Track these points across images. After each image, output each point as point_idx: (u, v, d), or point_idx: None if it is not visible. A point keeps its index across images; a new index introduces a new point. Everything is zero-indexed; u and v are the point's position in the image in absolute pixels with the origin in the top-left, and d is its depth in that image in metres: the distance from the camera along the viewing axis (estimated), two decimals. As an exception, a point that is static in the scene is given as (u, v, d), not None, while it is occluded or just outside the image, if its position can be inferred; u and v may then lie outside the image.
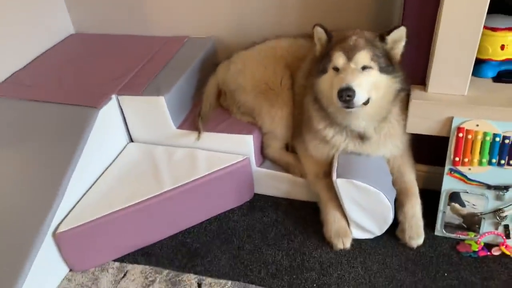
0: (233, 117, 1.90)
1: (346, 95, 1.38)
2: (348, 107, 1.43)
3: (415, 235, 1.62)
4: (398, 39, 1.47)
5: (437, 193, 1.64)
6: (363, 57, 1.43)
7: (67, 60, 2.17)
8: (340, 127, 1.61)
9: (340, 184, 1.57)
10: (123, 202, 1.63)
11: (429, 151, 1.73)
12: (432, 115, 1.58)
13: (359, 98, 1.41)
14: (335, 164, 1.63)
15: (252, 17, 2.16)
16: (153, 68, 1.99)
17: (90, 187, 1.71)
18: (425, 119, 1.60)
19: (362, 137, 1.61)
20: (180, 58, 2.07)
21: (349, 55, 1.44)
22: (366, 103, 1.46)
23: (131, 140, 1.97)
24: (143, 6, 2.28)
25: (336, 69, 1.47)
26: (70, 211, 1.61)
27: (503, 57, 1.59)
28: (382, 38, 1.47)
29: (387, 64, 1.46)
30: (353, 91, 1.38)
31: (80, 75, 2.01)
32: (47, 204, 1.51)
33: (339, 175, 1.58)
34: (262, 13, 2.13)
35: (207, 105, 1.91)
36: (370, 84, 1.44)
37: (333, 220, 1.66)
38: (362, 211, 1.61)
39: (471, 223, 1.64)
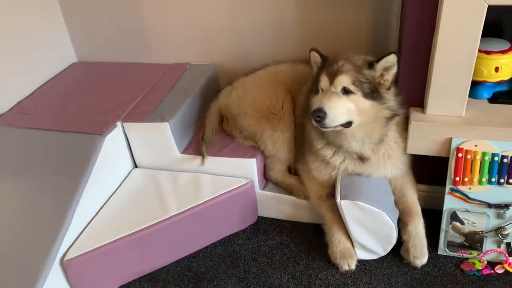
0: (236, 141, 1.93)
1: (316, 116, 1.46)
2: (321, 127, 1.50)
3: (420, 255, 1.64)
4: (388, 66, 1.49)
5: (438, 212, 1.67)
6: (343, 81, 1.48)
7: (71, 88, 2.21)
8: (337, 147, 1.65)
9: (344, 205, 1.59)
10: (129, 228, 1.64)
11: (429, 171, 1.76)
12: (431, 136, 1.63)
13: (331, 120, 1.46)
14: (338, 186, 1.66)
15: (252, 44, 2.22)
16: (156, 95, 2.03)
17: (96, 214, 1.72)
18: (424, 140, 1.64)
19: (361, 158, 1.65)
20: (182, 84, 2.12)
21: (331, 78, 1.50)
22: (347, 125, 1.51)
23: (136, 166, 1.99)
24: (145, 34, 2.34)
25: (322, 90, 1.53)
26: (77, 238, 1.62)
27: (498, 79, 1.65)
28: (371, 65, 1.51)
29: (373, 91, 1.50)
30: (324, 113, 1.45)
31: (84, 103, 2.05)
32: (54, 232, 1.52)
33: (343, 196, 1.61)
34: (261, 40, 2.20)
35: (209, 130, 1.95)
36: (350, 108, 1.48)
37: (338, 242, 1.68)
38: (366, 232, 1.63)
39: (473, 241, 1.67)
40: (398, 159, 1.68)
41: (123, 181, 1.90)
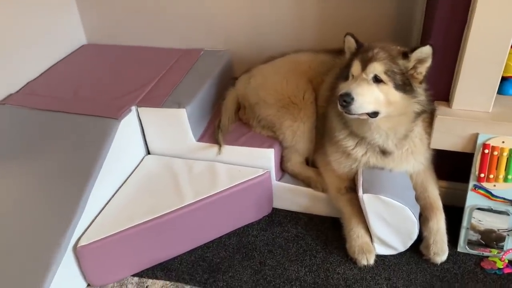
0: (253, 130, 1.89)
1: (342, 100, 1.41)
2: (346, 113, 1.45)
3: (440, 251, 1.61)
4: (423, 58, 1.44)
5: (456, 209, 1.65)
6: (375, 68, 1.43)
7: (82, 70, 2.14)
8: (360, 139, 1.61)
9: (367, 199, 1.56)
10: (144, 216, 1.59)
11: (450, 166, 1.73)
12: (457, 131, 1.59)
13: (357, 106, 1.42)
14: (360, 179, 1.62)
15: (270, 32, 2.17)
16: (172, 80, 1.97)
17: (110, 200, 1.68)
18: (449, 135, 1.61)
19: (383, 152, 1.61)
20: (198, 70, 2.06)
21: (364, 65, 1.45)
22: (373, 115, 1.46)
23: (148, 152, 1.93)
24: (159, 18, 2.28)
25: (353, 76, 1.48)
26: (90, 224, 1.57)
27: (526, 75, 1.62)
28: (405, 56, 1.46)
29: (405, 83, 1.45)
30: (352, 98, 1.40)
31: (97, 86, 1.98)
32: (68, 218, 1.47)
33: (365, 190, 1.57)
34: (280, 28, 2.14)
35: (226, 118, 1.90)
36: (379, 97, 1.43)
37: (356, 236, 1.64)
38: (387, 226, 1.60)
39: (489, 239, 1.64)
40: (421, 155, 1.65)
41: (136, 167, 1.85)
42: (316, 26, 2.09)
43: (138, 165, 1.86)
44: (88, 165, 1.59)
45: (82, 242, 1.50)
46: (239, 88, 1.96)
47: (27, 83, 2.03)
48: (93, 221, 1.58)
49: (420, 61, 1.44)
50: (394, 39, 2.01)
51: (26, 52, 2.04)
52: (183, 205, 1.64)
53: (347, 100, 1.41)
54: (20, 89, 1.99)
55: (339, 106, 1.45)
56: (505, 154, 1.54)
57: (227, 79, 2.14)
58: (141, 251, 1.61)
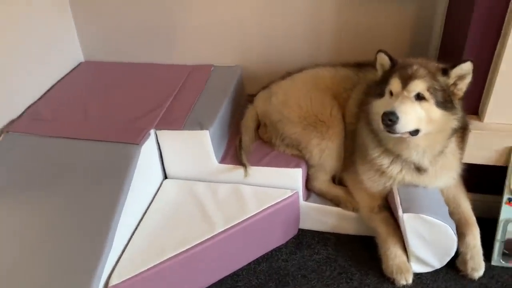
0: (276, 149, 1.82)
1: (387, 119, 1.37)
2: (390, 132, 1.41)
3: (478, 266, 1.60)
4: (463, 74, 1.42)
5: (484, 220, 1.64)
6: (418, 86, 1.40)
7: (86, 90, 2.01)
8: (395, 157, 1.58)
9: (407, 219, 1.52)
10: (175, 247, 1.49)
11: (479, 179, 1.72)
12: (491, 145, 1.59)
13: (402, 125, 1.38)
14: (398, 198, 1.58)
15: (281, 45, 2.11)
16: (187, 99, 1.88)
17: (134, 231, 1.56)
18: (482, 149, 1.61)
19: (418, 169, 1.58)
20: (212, 88, 1.97)
21: (405, 82, 1.42)
22: (414, 133, 1.43)
23: (166, 177, 1.83)
24: (163, 33, 2.18)
25: (391, 94, 1.45)
26: (119, 260, 1.45)
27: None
28: (445, 72, 1.44)
29: (446, 100, 1.43)
30: (397, 117, 1.37)
31: (106, 108, 1.86)
32: (96, 255, 1.35)
33: (405, 209, 1.53)
34: (292, 41, 2.09)
35: (247, 138, 1.82)
36: (421, 115, 1.41)
37: (394, 256, 1.60)
38: (425, 244, 1.57)
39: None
40: (454, 170, 1.63)
41: (155, 193, 1.74)
42: (331, 39, 2.05)
43: (158, 191, 1.75)
44: (112, 195, 1.47)
45: (114, 281, 1.38)
46: (259, 106, 1.89)
47: (29, 107, 1.88)
48: (120, 256, 1.46)
49: (460, 77, 1.43)
50: (412, 48, 2.00)
51: (24, 73, 1.88)
52: (215, 233, 1.54)
53: (392, 119, 1.37)
54: (22, 114, 1.83)
55: (381, 125, 1.41)
56: (540, 167, 1.54)
57: (240, 96, 2.07)
58: (172, 284, 1.50)
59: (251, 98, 1.97)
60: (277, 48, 2.12)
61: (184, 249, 1.49)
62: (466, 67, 1.40)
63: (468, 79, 1.43)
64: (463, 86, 1.44)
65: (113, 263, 1.43)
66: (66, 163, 1.58)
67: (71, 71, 2.18)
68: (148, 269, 1.43)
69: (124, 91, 1.98)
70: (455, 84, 1.44)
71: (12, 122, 1.78)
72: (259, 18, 2.06)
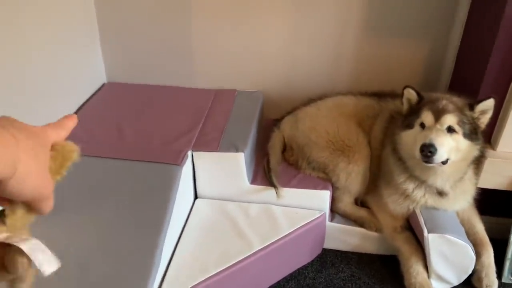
0: (302, 171, 1.92)
1: (428, 151, 1.50)
2: (427, 162, 1.54)
3: (492, 283, 1.73)
4: (486, 109, 1.58)
5: (497, 242, 1.79)
6: (450, 120, 1.54)
7: (115, 111, 2.05)
8: (419, 182, 1.71)
9: (432, 239, 1.64)
10: (217, 265, 1.55)
11: (491, 203, 1.87)
12: (503, 171, 1.75)
13: (439, 156, 1.52)
14: (421, 220, 1.70)
15: (302, 72, 2.23)
16: (217, 122, 1.96)
17: (175, 249, 1.61)
18: (496, 175, 1.76)
19: (440, 193, 1.72)
20: (239, 111, 2.06)
21: (437, 116, 1.56)
22: (444, 162, 1.57)
23: (196, 197, 1.89)
24: (186, 57, 2.26)
25: (423, 126, 1.59)
26: (163, 279, 1.49)
27: (552, 120, 1.81)
28: (471, 107, 1.59)
29: (472, 132, 1.57)
30: (435, 148, 1.50)
31: (139, 129, 1.91)
32: (145, 274, 1.39)
33: (430, 230, 1.66)
34: (313, 69, 2.21)
35: (274, 161, 1.92)
36: (452, 146, 1.55)
37: (416, 273, 1.71)
38: (446, 263, 1.69)
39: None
40: (470, 194, 1.77)
41: (189, 212, 1.79)
42: (349, 69, 2.19)
43: (191, 210, 1.81)
44: (157, 214, 1.52)
45: (162, 299, 1.43)
46: (285, 130, 1.99)
47: (61, 126, 1.91)
48: (165, 274, 1.51)
49: (483, 112, 1.58)
50: (425, 79, 2.17)
51: (53, 96, 1.91)
52: (253, 251, 1.62)
53: (432, 150, 1.50)
54: (56, 133, 1.86)
55: (420, 157, 1.53)
56: (548, 192, 1.71)
57: (263, 119, 2.17)
58: (212, 302, 1.56)
59: (275, 123, 2.07)
60: (297, 75, 2.24)
61: (227, 266, 1.55)
62: (489, 103, 1.56)
63: (490, 114, 1.58)
64: (485, 120, 1.59)
65: (159, 280, 1.48)
66: (108, 182, 1.63)
67: (96, 92, 2.22)
68: (194, 286, 1.48)
69: (153, 113, 2.05)
70: (478, 118, 1.59)
71: (48, 140, 1.80)
72: (282, 46, 2.17)
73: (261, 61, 2.22)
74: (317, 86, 2.20)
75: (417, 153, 1.54)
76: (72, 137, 1.87)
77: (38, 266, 0.49)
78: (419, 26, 2.05)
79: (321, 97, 2.06)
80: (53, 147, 0.55)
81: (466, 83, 1.90)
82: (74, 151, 0.58)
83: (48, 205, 0.53)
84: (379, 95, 1.99)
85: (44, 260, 0.49)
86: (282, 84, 2.27)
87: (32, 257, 0.49)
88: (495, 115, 1.74)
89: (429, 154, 1.50)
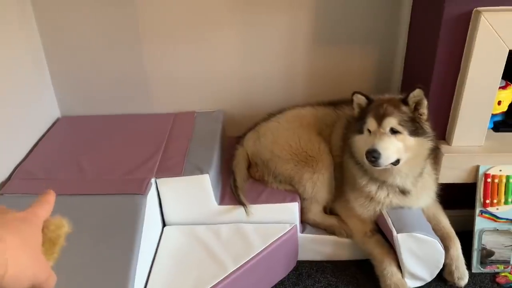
0: (269, 186, 1.92)
1: (371, 156, 1.56)
2: (375, 166, 1.60)
3: (463, 275, 1.78)
4: (418, 100, 1.61)
5: (462, 233, 1.84)
6: (390, 122, 1.59)
7: (72, 145, 2.00)
8: (380, 183, 1.74)
9: (401, 238, 1.67)
10: (192, 292, 1.52)
11: (453, 197, 1.93)
12: (461, 165, 1.81)
13: (384, 159, 1.57)
14: (389, 221, 1.74)
15: (259, 90, 2.25)
16: (179, 146, 1.94)
17: (147, 282, 1.57)
18: (454, 169, 1.82)
19: (403, 191, 1.76)
20: (200, 132, 2.05)
21: (379, 121, 1.61)
22: (395, 163, 1.62)
23: (164, 224, 1.85)
24: (142, 84, 2.23)
25: (369, 131, 1.63)
26: (138, 312, 1.45)
27: (499, 111, 1.91)
28: (405, 102, 1.63)
29: (417, 127, 1.62)
30: (379, 153, 1.55)
31: (98, 161, 1.86)
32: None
33: (399, 230, 1.69)
34: (269, 85, 2.24)
35: (240, 178, 1.91)
36: (399, 147, 1.59)
37: (391, 274, 1.74)
38: (417, 261, 1.72)
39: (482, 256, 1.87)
40: (431, 189, 1.82)
41: (159, 241, 1.75)
42: (304, 81, 2.23)
43: (160, 238, 1.77)
44: (125, 247, 1.48)
45: (138, 335, 1.38)
46: (249, 147, 1.99)
47: (16, 167, 1.83)
48: (139, 308, 1.47)
49: (418, 102, 1.62)
50: (377, 84, 2.23)
51: (7, 135, 1.84)
52: (227, 273, 1.59)
53: (375, 155, 1.55)
54: (12, 174, 1.79)
55: (366, 161, 1.58)
56: (504, 180, 1.78)
57: (224, 138, 2.16)
58: (191, 330, 1.52)
59: (238, 140, 2.07)
60: (254, 92, 2.26)
61: (201, 292, 1.53)
62: (417, 93, 1.60)
63: (425, 102, 1.62)
64: (423, 110, 1.63)
65: (134, 316, 1.43)
66: (73, 220, 1.55)
67: (51, 127, 2.15)
68: (171, 317, 1.44)
69: (112, 143, 2.00)
70: (416, 109, 1.63)
71: (3, 184, 1.73)
72: (236, 64, 2.19)
73: (217, 80, 2.23)
74: (275, 101, 2.23)
75: (364, 159, 1.59)
76: (29, 176, 1.80)
77: None
78: (366, 32, 2.12)
79: (280, 111, 2.08)
80: (43, 229, 0.59)
81: (417, 83, 1.96)
82: (62, 226, 0.64)
83: (50, 283, 0.57)
84: (334, 103, 2.03)
85: None
86: (241, 101, 2.28)
87: None
88: (446, 113, 1.82)
89: (373, 159, 1.54)
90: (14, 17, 1.94)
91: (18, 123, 1.93)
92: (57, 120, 2.23)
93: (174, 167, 1.80)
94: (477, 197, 1.82)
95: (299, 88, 2.24)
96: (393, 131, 1.59)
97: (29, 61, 2.05)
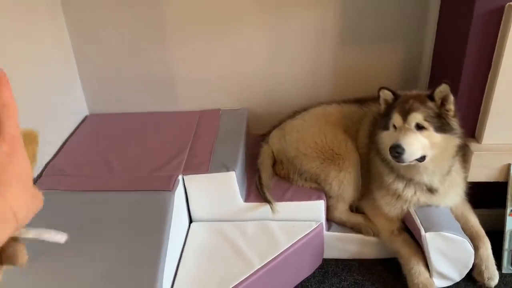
0: (295, 184, 1.92)
1: (395, 152, 1.54)
2: (398, 162, 1.57)
3: (493, 275, 1.74)
4: (444, 95, 1.58)
5: (493, 233, 1.81)
6: (415, 118, 1.56)
7: (101, 143, 2.04)
8: (407, 180, 1.72)
9: (429, 238, 1.65)
10: (220, 287, 1.53)
11: (484, 196, 1.89)
12: (491, 163, 1.77)
13: (408, 155, 1.54)
14: (417, 219, 1.71)
15: (284, 88, 2.25)
16: (205, 143, 1.95)
17: (175, 278, 1.59)
18: (484, 168, 1.78)
19: (430, 190, 1.73)
20: (225, 130, 2.07)
21: (404, 116, 1.58)
22: (421, 160, 1.59)
23: (191, 220, 1.87)
24: (168, 82, 2.26)
25: (395, 127, 1.61)
26: (166, 307, 1.47)
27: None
28: (431, 98, 1.61)
29: (443, 124, 1.59)
30: (402, 149, 1.53)
31: (126, 158, 1.90)
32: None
33: (427, 229, 1.67)
34: (294, 83, 2.23)
35: (266, 176, 1.91)
36: (424, 143, 1.57)
37: (418, 274, 1.72)
38: (446, 260, 1.70)
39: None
40: (460, 188, 1.79)
41: (186, 237, 1.77)
42: (329, 80, 2.21)
43: (187, 234, 1.79)
44: (154, 243, 1.50)
45: (168, 329, 1.40)
46: (274, 144, 1.99)
47: (47, 164, 1.88)
48: (167, 303, 1.49)
49: (444, 98, 1.59)
50: (402, 84, 2.20)
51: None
52: (254, 270, 1.60)
53: (399, 151, 1.52)
54: (43, 172, 1.83)
55: (390, 157, 1.56)
56: (536, 179, 1.74)
57: (249, 136, 2.17)
58: (219, 325, 1.54)
59: (263, 138, 2.07)
60: (279, 90, 2.25)
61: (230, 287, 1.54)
62: (443, 88, 1.57)
63: (451, 98, 1.58)
64: (450, 105, 1.60)
65: (162, 311, 1.45)
66: (102, 216, 1.60)
67: (79, 125, 2.20)
68: (198, 313, 1.46)
69: (140, 141, 2.03)
70: (443, 105, 1.60)
71: (35, 181, 1.78)
72: (262, 63, 2.19)
73: (243, 79, 2.24)
74: (300, 99, 2.22)
75: (388, 154, 1.57)
76: (60, 173, 1.83)
77: (52, 240, 0.57)
78: (393, 30, 2.10)
79: (305, 108, 2.08)
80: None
81: (445, 79, 1.94)
82: (35, 135, 0.59)
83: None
84: (361, 101, 2.02)
85: (52, 235, 0.57)
86: (265, 99, 2.28)
87: (42, 238, 0.56)
88: (477, 109, 1.78)
89: (396, 154, 1.52)
90: (43, 16, 1.98)
91: (48, 121, 1.98)
92: (86, 117, 2.28)
93: (200, 164, 1.81)
94: (508, 196, 1.78)
95: (324, 86, 2.22)
96: (419, 127, 1.57)
97: (58, 60, 2.10)
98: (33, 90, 1.87)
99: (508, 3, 1.56)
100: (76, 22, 2.13)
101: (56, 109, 2.05)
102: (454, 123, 1.63)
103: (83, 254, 1.48)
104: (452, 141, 1.62)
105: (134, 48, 2.18)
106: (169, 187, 1.67)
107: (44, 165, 1.88)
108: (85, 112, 2.30)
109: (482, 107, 1.77)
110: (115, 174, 1.80)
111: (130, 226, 1.57)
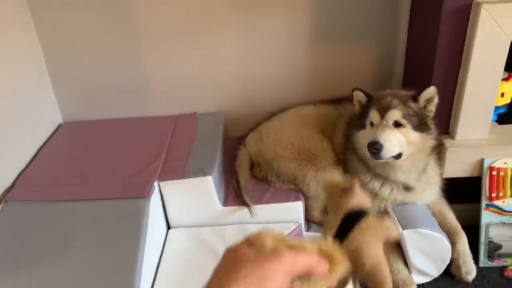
0: (273, 186, 1.91)
1: (373, 148, 1.55)
2: (376, 158, 1.58)
3: (470, 270, 1.77)
4: (430, 97, 1.62)
5: (468, 228, 1.83)
6: (394, 115, 1.58)
7: (75, 151, 2.00)
8: (384, 179, 1.73)
9: (407, 235, 1.67)
10: (198, 295, 1.51)
11: (459, 191, 1.92)
12: (465, 159, 1.80)
13: (387, 152, 1.56)
14: (394, 217, 1.73)
15: (261, 90, 2.24)
16: (181, 148, 1.93)
17: (153, 285, 1.56)
18: (459, 163, 1.81)
19: (406, 188, 1.75)
20: (203, 134, 2.04)
21: (382, 113, 1.60)
22: (397, 157, 1.61)
23: (169, 227, 1.85)
24: (143, 87, 2.23)
25: (372, 125, 1.62)
26: (145, 316, 1.45)
27: (502, 103, 1.89)
28: (415, 99, 1.63)
29: (421, 123, 1.61)
30: (381, 145, 1.54)
31: (102, 166, 1.86)
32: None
33: (404, 226, 1.68)
34: (270, 84, 2.22)
35: (244, 179, 1.90)
36: (401, 140, 1.58)
37: (397, 271, 1.73)
38: (424, 256, 1.72)
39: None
40: (436, 185, 1.81)
41: (164, 244, 1.75)
42: (305, 80, 2.21)
43: (165, 241, 1.77)
44: (130, 251, 1.48)
45: (146, 338, 1.38)
46: (251, 147, 1.98)
47: (19, 174, 1.84)
48: (146, 312, 1.47)
49: (428, 100, 1.62)
50: (378, 80, 2.22)
51: (8, 141, 1.84)
52: (233, 275, 1.59)
53: (377, 147, 1.53)
54: (15, 181, 1.79)
55: (368, 154, 1.57)
56: (509, 173, 1.77)
57: (226, 139, 2.16)
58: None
59: (240, 141, 2.06)
60: (255, 92, 2.24)
61: (208, 295, 1.52)
62: (431, 91, 1.60)
63: (435, 101, 1.62)
64: (432, 107, 1.63)
65: (140, 321, 1.43)
66: (77, 226, 1.57)
67: (53, 133, 2.15)
68: (178, 321, 1.44)
69: (115, 148, 2.00)
70: (425, 107, 1.63)
71: (7, 191, 1.74)
72: (237, 65, 2.18)
73: (219, 82, 2.22)
74: (276, 100, 2.22)
75: (366, 151, 1.58)
76: (34, 182, 1.80)
77: None
78: (365, 28, 2.11)
79: (282, 110, 2.08)
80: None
81: (418, 77, 1.96)
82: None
83: None
84: (336, 101, 2.03)
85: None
86: (242, 102, 2.27)
87: None
88: (449, 106, 1.80)
89: (375, 151, 1.53)
90: (12, 24, 1.94)
91: (21, 130, 1.93)
92: (59, 126, 2.23)
93: (176, 170, 1.79)
94: (483, 190, 1.80)
95: (300, 87, 2.22)
96: (396, 124, 1.58)
97: (29, 68, 2.06)
98: (2, 99, 1.82)
99: (475, 1, 1.58)
100: (47, 29, 2.07)
101: (28, 117, 2.00)
102: (431, 124, 1.65)
103: (56, 265, 1.45)
104: (428, 141, 1.64)
105: (107, 53, 2.15)
106: (144, 194, 1.65)
107: (16, 174, 1.83)
108: (59, 120, 2.26)
109: (454, 104, 1.79)
110: (90, 183, 1.77)
111: (105, 235, 1.54)
